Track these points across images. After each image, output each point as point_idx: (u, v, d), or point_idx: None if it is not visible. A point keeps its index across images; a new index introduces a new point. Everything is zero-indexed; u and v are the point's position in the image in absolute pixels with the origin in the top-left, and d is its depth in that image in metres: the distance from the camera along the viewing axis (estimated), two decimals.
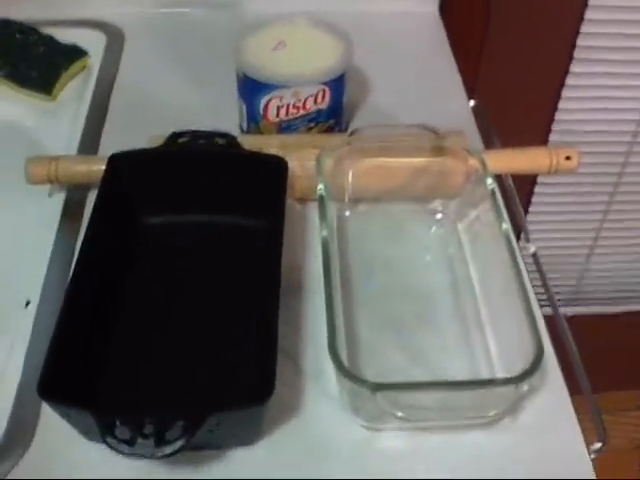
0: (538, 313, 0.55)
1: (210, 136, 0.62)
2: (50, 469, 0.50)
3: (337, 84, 0.67)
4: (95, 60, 0.84)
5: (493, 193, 0.59)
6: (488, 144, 0.75)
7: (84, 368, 0.50)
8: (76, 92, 0.81)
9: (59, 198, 0.68)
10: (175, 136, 0.62)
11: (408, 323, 0.58)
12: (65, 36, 0.84)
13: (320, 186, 0.58)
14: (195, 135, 0.62)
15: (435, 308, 0.59)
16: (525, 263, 0.61)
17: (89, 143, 0.74)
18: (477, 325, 0.57)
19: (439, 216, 0.65)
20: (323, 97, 0.67)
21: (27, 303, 0.59)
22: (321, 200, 0.58)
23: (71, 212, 0.67)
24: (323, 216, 0.56)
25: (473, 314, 0.58)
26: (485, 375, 0.54)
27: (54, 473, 0.50)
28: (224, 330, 0.55)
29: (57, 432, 0.50)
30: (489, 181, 0.59)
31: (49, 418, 0.51)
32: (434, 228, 0.65)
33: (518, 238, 0.73)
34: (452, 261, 0.62)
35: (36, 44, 0.82)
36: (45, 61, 0.81)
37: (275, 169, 0.60)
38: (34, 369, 0.50)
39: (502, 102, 0.93)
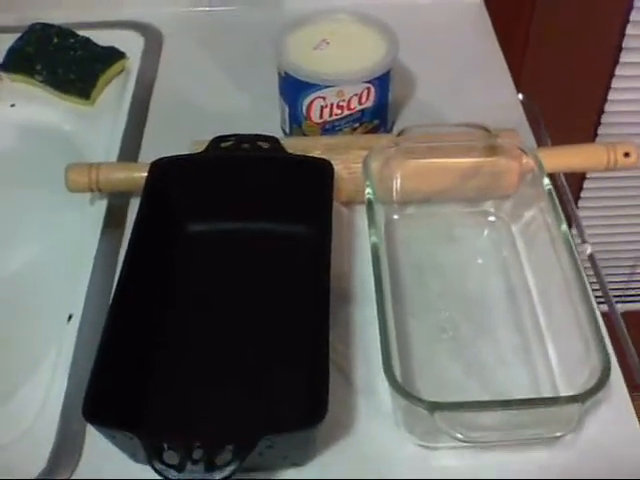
0: (601, 322, 0.53)
1: (253, 140, 0.60)
2: None
3: (382, 82, 0.65)
4: (133, 62, 0.82)
5: (550, 193, 0.56)
6: (538, 141, 0.72)
7: (130, 388, 0.48)
8: (115, 95, 0.80)
9: (101, 205, 0.67)
10: (218, 140, 0.60)
11: (462, 332, 0.55)
12: (102, 38, 0.82)
13: (368, 190, 0.56)
14: (238, 139, 0.60)
15: (491, 315, 0.56)
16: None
17: (130, 148, 0.72)
18: (536, 334, 0.54)
19: (492, 218, 0.63)
20: (368, 96, 0.65)
21: (70, 317, 0.58)
22: (369, 205, 0.55)
23: (113, 220, 0.65)
24: (372, 221, 0.54)
25: (531, 322, 0.55)
26: (546, 389, 0.51)
27: None
28: (272, 346, 0.53)
29: (104, 452, 0.49)
30: (546, 181, 0.56)
31: (96, 438, 0.49)
32: (487, 231, 0.62)
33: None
34: (507, 265, 0.59)
35: (73, 47, 0.81)
36: (83, 65, 0.80)
37: (321, 172, 0.58)
38: (78, 386, 0.49)
39: (548, 95, 0.89)
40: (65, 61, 0.80)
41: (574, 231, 0.73)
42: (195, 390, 0.51)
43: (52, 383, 0.54)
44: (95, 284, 0.60)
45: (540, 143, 0.72)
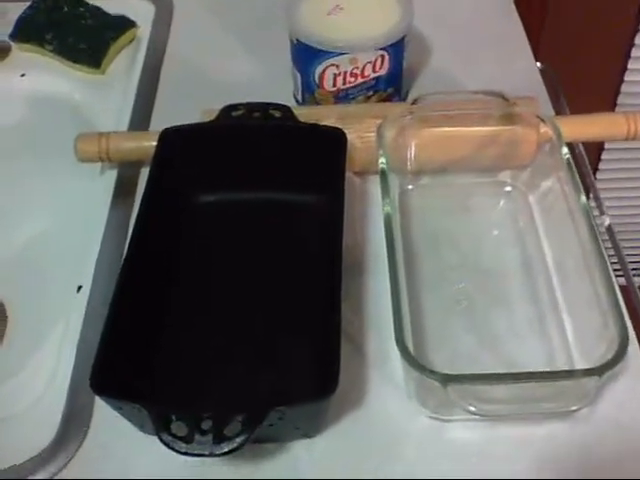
0: (619, 295, 0.51)
1: (265, 108, 0.59)
2: (106, 462, 0.48)
3: (397, 49, 0.63)
4: (144, 31, 0.81)
5: (569, 163, 0.54)
6: (557, 110, 0.70)
7: (138, 360, 0.48)
8: (126, 65, 0.79)
9: (111, 175, 0.66)
10: (228, 109, 0.59)
11: (477, 304, 0.54)
12: (112, 7, 0.81)
13: (382, 160, 0.55)
14: (249, 108, 0.59)
15: (507, 287, 0.55)
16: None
17: (141, 117, 0.71)
18: (552, 306, 0.53)
19: (508, 188, 0.61)
20: (382, 63, 0.63)
21: (79, 288, 0.57)
22: (383, 175, 0.54)
23: (123, 190, 0.64)
24: (385, 192, 0.53)
25: (547, 294, 0.54)
26: (561, 362, 0.50)
27: (110, 467, 0.48)
28: (283, 317, 0.52)
29: (112, 424, 0.48)
30: (564, 150, 0.55)
31: (104, 409, 0.49)
32: (503, 201, 0.61)
33: None
34: (523, 237, 0.58)
35: (83, 16, 0.80)
36: (93, 33, 0.79)
37: (334, 142, 0.56)
38: (87, 358, 0.48)
39: (567, 64, 0.87)
40: (75, 30, 0.79)
41: (592, 203, 0.72)
42: (205, 361, 0.50)
43: (61, 355, 0.54)
44: (105, 255, 0.59)
45: (559, 112, 0.70)
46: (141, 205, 0.54)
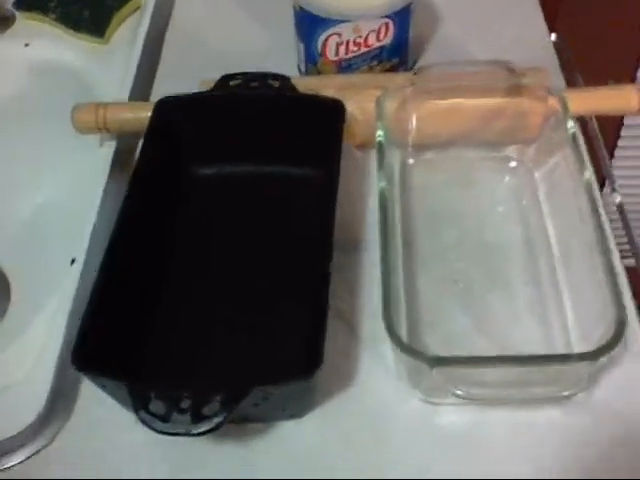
0: (622, 278, 0.49)
1: (263, 78, 0.57)
2: (92, 437, 0.48)
3: (402, 17, 0.61)
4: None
5: (574, 138, 0.52)
6: (571, 83, 0.67)
7: (123, 336, 0.47)
8: (129, 33, 0.77)
9: (110, 147, 0.65)
10: (226, 79, 0.58)
11: (476, 284, 0.53)
12: None
13: (379, 132, 0.53)
14: (247, 78, 0.58)
15: (507, 267, 0.53)
16: (610, 214, 0.55)
17: (141, 88, 0.70)
18: (553, 287, 0.51)
19: (513, 164, 0.59)
20: (386, 32, 0.61)
21: (72, 261, 0.56)
22: (380, 147, 0.52)
23: (121, 161, 0.63)
24: (381, 165, 0.51)
25: (549, 275, 0.52)
26: (559, 345, 0.48)
27: (96, 442, 0.47)
28: (273, 294, 0.51)
29: (100, 399, 0.47)
30: (570, 124, 0.52)
31: (91, 385, 0.48)
32: (508, 177, 0.59)
33: (602, 187, 0.66)
34: (527, 215, 0.56)
35: None
36: (97, 2, 0.77)
37: (331, 113, 0.55)
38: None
39: (585, 37, 0.84)
40: None
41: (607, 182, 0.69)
42: (191, 339, 0.49)
43: (52, 328, 0.53)
44: (100, 228, 0.58)
45: (571, 86, 0.67)
46: (133, 174, 0.53)
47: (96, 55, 0.76)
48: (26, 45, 0.78)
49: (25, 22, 0.79)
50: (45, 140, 0.73)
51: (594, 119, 0.69)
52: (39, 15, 0.78)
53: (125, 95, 0.69)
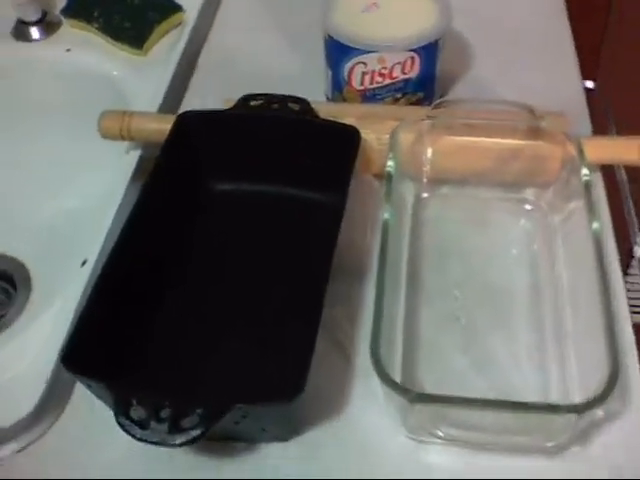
0: (627, 332, 0.48)
1: (283, 100, 0.58)
2: (81, 436, 0.48)
3: (428, 52, 0.61)
4: (191, 16, 0.81)
5: (587, 186, 0.51)
6: (601, 132, 0.67)
7: (116, 341, 0.47)
8: (168, 48, 0.78)
9: (135, 155, 0.66)
10: (247, 99, 0.58)
11: (478, 323, 0.52)
12: None
13: (390, 163, 0.53)
14: (268, 99, 0.58)
15: (511, 310, 0.52)
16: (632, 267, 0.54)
17: (172, 102, 0.71)
18: (555, 335, 0.50)
19: (529, 207, 0.58)
20: (412, 66, 0.61)
21: (83, 262, 0.57)
22: (389, 179, 0.52)
23: (144, 170, 0.64)
24: (389, 197, 0.51)
25: (552, 322, 0.51)
26: (556, 394, 0.47)
27: (84, 443, 0.48)
28: (270, 316, 0.51)
29: (92, 400, 0.48)
30: (584, 171, 0.52)
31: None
32: (522, 220, 0.58)
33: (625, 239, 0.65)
34: (537, 259, 0.55)
35: None
36: (139, 14, 0.79)
37: (347, 140, 0.55)
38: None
39: (623, 87, 0.83)
40: (122, 9, 0.79)
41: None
42: (182, 351, 0.50)
43: (56, 326, 0.54)
44: (114, 232, 0.58)
45: (603, 134, 0.66)
46: (145, 183, 0.54)
47: (133, 66, 0.77)
48: (67, 50, 0.80)
49: (70, 29, 0.81)
50: (77, 144, 0.74)
51: (622, 169, 0.68)
52: (83, 23, 0.80)
53: (155, 106, 0.70)
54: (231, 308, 0.52)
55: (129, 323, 0.49)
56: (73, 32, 0.81)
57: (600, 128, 0.68)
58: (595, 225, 0.49)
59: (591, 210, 0.50)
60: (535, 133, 0.55)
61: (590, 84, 0.75)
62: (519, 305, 0.53)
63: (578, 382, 0.47)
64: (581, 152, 0.52)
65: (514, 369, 0.49)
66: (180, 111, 0.69)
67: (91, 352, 0.44)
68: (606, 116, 0.74)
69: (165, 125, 0.62)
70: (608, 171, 0.62)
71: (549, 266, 0.54)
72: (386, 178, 0.52)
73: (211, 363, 0.49)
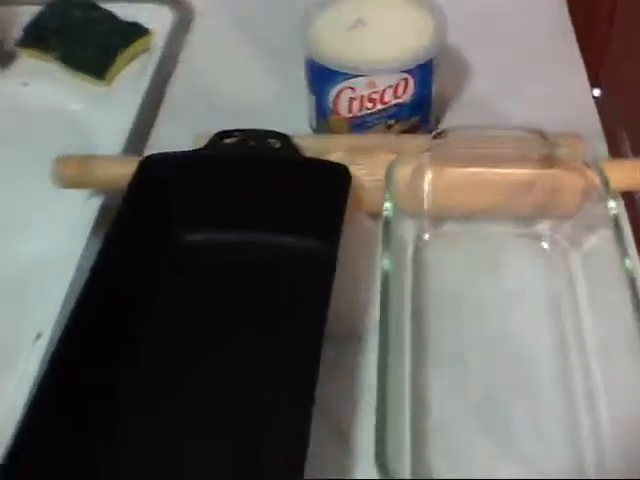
0: None
1: (261, 137, 0.51)
2: None
3: (423, 73, 0.54)
4: (159, 40, 0.74)
5: (616, 219, 0.44)
6: (614, 149, 0.60)
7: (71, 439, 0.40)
8: (134, 76, 0.72)
9: (96, 203, 0.59)
10: (220, 136, 0.51)
11: (495, 391, 0.45)
12: (129, 12, 0.74)
13: (387, 205, 0.46)
14: (244, 135, 0.51)
15: (533, 372, 0.45)
16: None
17: (137, 139, 0.64)
18: (587, 400, 0.43)
19: (546, 244, 0.51)
20: (405, 89, 0.54)
21: (37, 336, 0.50)
22: (386, 224, 0.45)
23: (105, 221, 0.57)
24: (387, 244, 0.44)
25: (583, 384, 0.44)
26: (590, 473, 0.40)
27: None
28: (253, 390, 0.44)
29: None
30: (611, 204, 0.45)
31: None
32: (540, 259, 0.51)
33: None
34: (560, 305, 0.48)
35: (94, 21, 0.73)
36: (102, 41, 0.72)
37: (335, 180, 0.48)
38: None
39: (631, 95, 0.77)
40: (83, 37, 0.72)
41: None
42: (157, 438, 0.42)
43: (6, 414, 0.46)
44: (72, 299, 0.51)
45: (616, 152, 0.59)
46: (105, 239, 0.47)
47: (95, 97, 0.70)
48: (24, 85, 0.73)
49: (27, 59, 0.74)
50: (30, 191, 0.67)
51: None
52: (40, 53, 0.73)
53: (119, 144, 0.64)
54: (208, 391, 0.44)
55: (87, 409, 0.42)
56: (30, 63, 0.74)
57: (611, 136, 0.61)
58: (627, 263, 0.42)
59: (621, 246, 0.43)
60: (549, 161, 0.48)
61: (596, 92, 0.68)
62: (544, 365, 0.46)
63: (617, 456, 0.40)
64: (606, 183, 0.45)
65: (540, 445, 0.42)
66: (147, 149, 0.63)
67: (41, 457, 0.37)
68: (614, 122, 0.68)
69: (128, 169, 0.55)
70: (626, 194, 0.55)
71: (575, 313, 0.47)
72: (383, 223, 0.45)
73: (188, 450, 0.41)
